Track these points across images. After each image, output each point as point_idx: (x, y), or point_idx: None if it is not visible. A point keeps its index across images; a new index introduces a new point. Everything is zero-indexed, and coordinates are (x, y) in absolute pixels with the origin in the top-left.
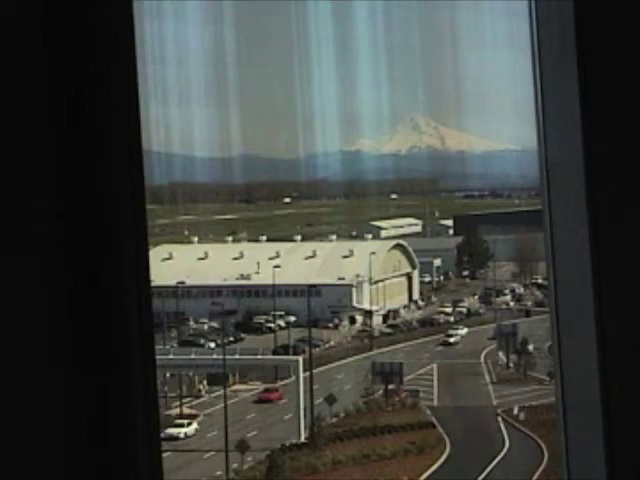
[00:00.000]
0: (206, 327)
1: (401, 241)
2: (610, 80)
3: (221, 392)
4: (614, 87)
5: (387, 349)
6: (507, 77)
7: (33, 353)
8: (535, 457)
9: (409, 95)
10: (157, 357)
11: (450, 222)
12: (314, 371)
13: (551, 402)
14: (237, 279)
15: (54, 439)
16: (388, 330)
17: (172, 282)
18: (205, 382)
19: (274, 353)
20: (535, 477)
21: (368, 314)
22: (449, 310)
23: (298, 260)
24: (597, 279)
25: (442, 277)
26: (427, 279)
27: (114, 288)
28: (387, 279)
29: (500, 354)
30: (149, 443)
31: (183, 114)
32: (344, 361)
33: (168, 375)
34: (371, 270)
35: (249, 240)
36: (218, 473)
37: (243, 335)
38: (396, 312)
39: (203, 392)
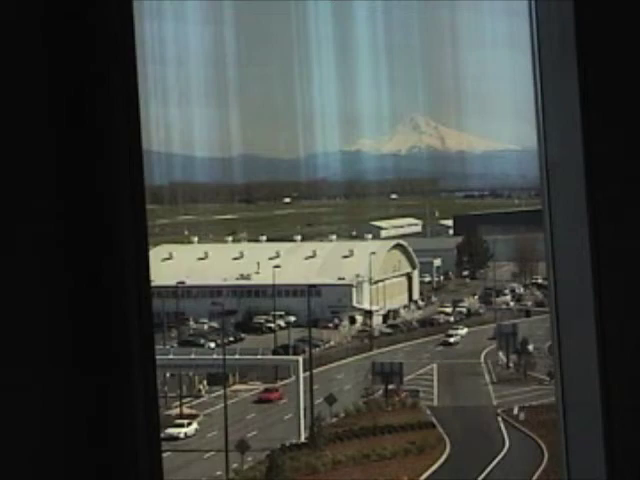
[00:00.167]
0: (206, 327)
1: (401, 241)
2: (610, 80)
3: (221, 392)
4: (614, 87)
5: (387, 349)
6: (507, 77)
7: (33, 353)
8: (535, 457)
9: (409, 95)
10: (157, 357)
11: (450, 222)
12: (314, 371)
13: (551, 402)
14: (237, 279)
15: (54, 439)
16: (388, 330)
17: (172, 282)
18: (205, 382)
19: (274, 353)
20: (535, 477)
21: (368, 314)
22: (449, 310)
23: (298, 260)
24: (597, 279)
25: (442, 277)
26: (427, 279)
27: (114, 288)
28: (387, 279)
29: (500, 354)
30: (149, 443)
31: (183, 114)
32: (344, 361)
33: (168, 375)
34: (371, 270)
35: (249, 240)
36: (218, 473)
37: (243, 335)
38: (396, 312)
39: (203, 392)
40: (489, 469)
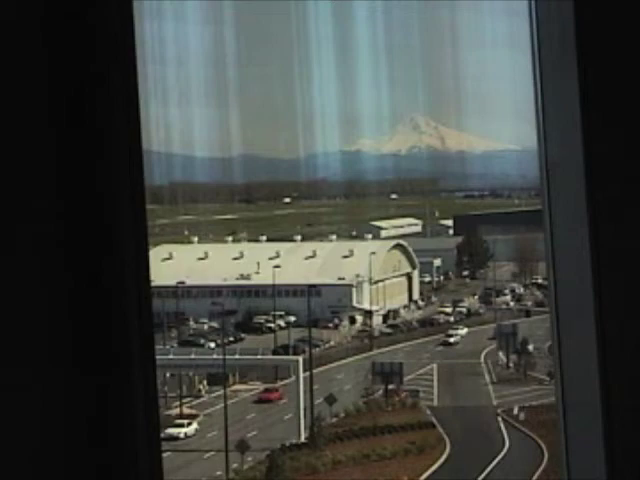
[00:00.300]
0: (206, 327)
1: (401, 241)
2: (610, 80)
3: (221, 392)
4: (614, 87)
5: (387, 349)
6: (507, 77)
7: (33, 353)
8: (535, 457)
9: (409, 95)
10: (157, 357)
11: (450, 222)
12: (314, 371)
13: (551, 402)
14: (237, 279)
15: (54, 439)
16: (388, 330)
17: (172, 282)
18: (205, 382)
19: (274, 353)
20: (535, 477)
21: (368, 314)
22: (449, 310)
23: (298, 260)
24: (597, 279)
25: (442, 277)
26: (427, 279)
27: (114, 288)
28: (387, 279)
29: (500, 354)
30: (149, 443)
31: (183, 114)
32: (344, 361)
33: (168, 375)
34: (371, 270)
35: (249, 240)
36: (218, 473)
37: (243, 335)
38: (396, 312)
39: (203, 392)
40: (489, 469)
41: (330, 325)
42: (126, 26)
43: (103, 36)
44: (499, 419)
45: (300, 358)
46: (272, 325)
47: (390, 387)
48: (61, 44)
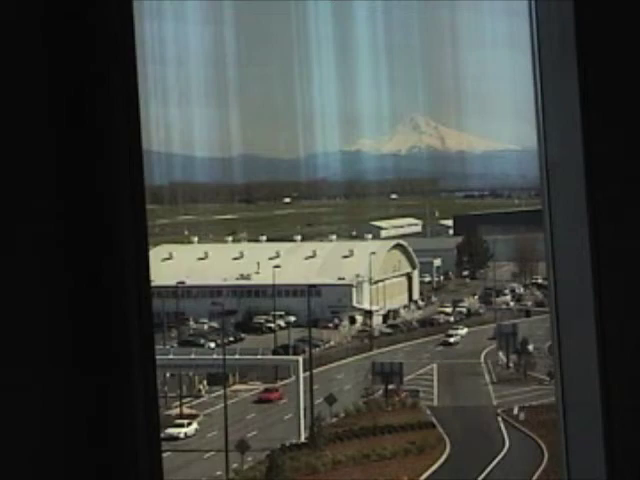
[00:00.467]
0: (206, 327)
1: (401, 241)
2: (610, 80)
3: (221, 392)
4: (614, 87)
5: (387, 349)
6: (507, 77)
7: (33, 353)
8: (535, 457)
9: (409, 95)
10: (157, 357)
11: (450, 222)
12: (314, 371)
13: (551, 402)
14: (237, 279)
15: (54, 439)
16: (388, 330)
17: (172, 282)
18: (205, 382)
19: (274, 353)
20: (535, 477)
21: (368, 314)
22: (449, 310)
23: (298, 260)
24: (597, 279)
25: (442, 277)
26: (427, 279)
27: (114, 288)
28: (387, 279)
29: (500, 354)
30: (149, 443)
31: (183, 114)
32: (344, 361)
33: (168, 375)
34: (371, 270)
35: (249, 240)
36: (218, 473)
37: (243, 335)
38: (396, 312)
39: (203, 392)
40: (489, 469)
41: (330, 325)
42: (126, 26)
43: (103, 36)
44: (499, 419)
45: (300, 358)
46: (272, 325)
47: (390, 387)
48: (61, 44)
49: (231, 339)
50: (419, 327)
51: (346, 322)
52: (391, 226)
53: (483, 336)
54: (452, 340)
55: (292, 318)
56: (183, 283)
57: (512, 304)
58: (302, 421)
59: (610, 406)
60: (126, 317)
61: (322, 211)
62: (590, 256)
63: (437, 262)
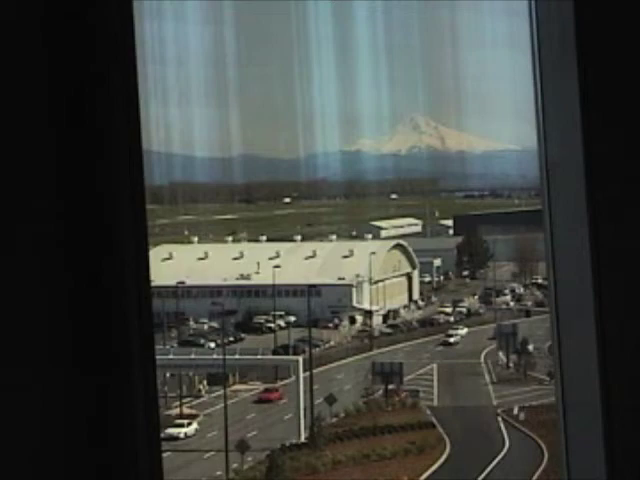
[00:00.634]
0: (206, 327)
1: (401, 241)
2: (610, 80)
3: (221, 392)
4: (614, 87)
5: (387, 349)
6: (507, 77)
7: (33, 353)
8: (535, 457)
9: (409, 95)
10: (157, 357)
11: (450, 222)
12: (314, 371)
13: (551, 402)
14: (237, 279)
15: (54, 439)
16: (388, 330)
17: (172, 282)
18: (205, 382)
19: (274, 353)
20: (535, 477)
21: (368, 314)
22: (449, 310)
23: (298, 260)
24: (597, 279)
25: (442, 277)
26: (427, 279)
27: (114, 288)
28: (387, 279)
29: (500, 354)
30: (149, 443)
31: (183, 114)
32: (344, 361)
33: (168, 375)
34: (371, 270)
35: (249, 240)
36: (218, 473)
37: (243, 335)
38: (396, 312)
39: (203, 392)
40: (489, 469)
41: (330, 325)
42: (126, 26)
43: (103, 36)
44: (499, 419)
45: (300, 358)
46: (272, 325)
47: (390, 387)
48: (61, 44)
49: (231, 339)
50: (419, 327)
51: (346, 322)
52: (391, 226)
53: (483, 336)
54: (452, 340)
55: (292, 318)
56: (183, 283)
57: (512, 304)
58: (302, 421)
59: (610, 406)
60: (126, 317)
61: (322, 211)
62: (590, 256)
63: (437, 262)
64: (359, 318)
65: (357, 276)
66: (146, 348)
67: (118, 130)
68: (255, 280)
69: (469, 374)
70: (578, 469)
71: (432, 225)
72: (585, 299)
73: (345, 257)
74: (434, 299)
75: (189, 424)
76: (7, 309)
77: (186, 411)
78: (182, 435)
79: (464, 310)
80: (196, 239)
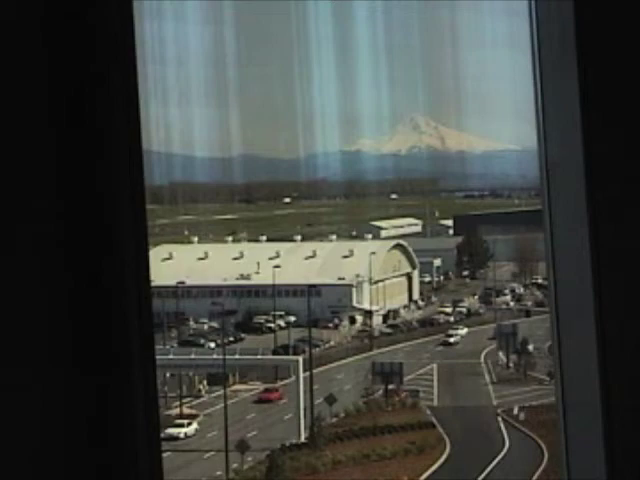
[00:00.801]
0: (206, 327)
1: (401, 241)
2: (610, 80)
3: (221, 392)
4: (614, 87)
5: (387, 349)
6: (507, 77)
7: (33, 353)
8: (535, 457)
9: (409, 95)
10: (157, 357)
11: (450, 222)
12: (314, 371)
13: (551, 402)
14: (237, 279)
15: (54, 439)
16: (388, 330)
17: (172, 282)
18: (205, 382)
19: (274, 353)
20: (535, 477)
21: (368, 314)
22: (449, 310)
23: (298, 260)
24: (597, 279)
25: (442, 277)
26: (427, 279)
27: (114, 288)
28: (387, 279)
29: (500, 354)
30: (149, 443)
31: (183, 114)
32: (344, 361)
33: (168, 375)
34: (371, 270)
35: (249, 240)
36: (218, 473)
37: (243, 335)
38: (396, 312)
39: (203, 392)
40: (489, 469)
41: (330, 325)
42: (126, 26)
43: (103, 36)
44: (499, 419)
45: (300, 358)
46: (272, 325)
47: (390, 387)
48: (61, 44)
49: (231, 339)
50: (419, 327)
51: (346, 322)
52: (391, 226)
53: (483, 336)
54: (452, 340)
55: (292, 318)
56: (183, 283)
57: (512, 304)
58: (302, 421)
59: (610, 406)
60: (126, 317)
61: (322, 211)
62: (590, 256)
63: (437, 262)
64: (359, 318)
65: (357, 276)
66: (146, 348)
67: (118, 130)
68: (255, 280)
69: (469, 374)
70: (578, 469)
71: (432, 225)
72: (585, 299)
73: (345, 257)
74: (434, 299)
75: (189, 424)
76: (7, 309)
77: (186, 411)
78: (182, 435)
79: (464, 310)
80: (196, 239)
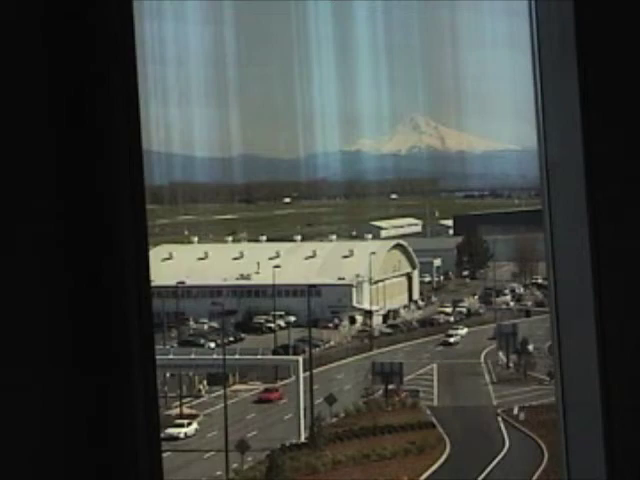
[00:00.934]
0: (206, 327)
1: (401, 241)
2: (610, 80)
3: (221, 392)
4: (614, 87)
5: (387, 349)
6: (507, 77)
7: (33, 353)
8: (535, 457)
9: (409, 95)
10: (157, 357)
11: (450, 222)
12: (314, 371)
13: (551, 402)
14: (237, 279)
15: (54, 439)
16: (388, 330)
17: (172, 282)
18: (205, 382)
19: (274, 353)
20: (535, 477)
21: (368, 314)
22: (449, 310)
23: (298, 260)
24: (597, 279)
25: (442, 277)
26: (427, 279)
27: (114, 288)
28: (387, 279)
29: (500, 354)
30: (149, 443)
31: (183, 114)
32: (344, 361)
33: (168, 375)
34: (371, 270)
35: (249, 240)
36: (218, 473)
37: (243, 335)
38: (396, 312)
39: (203, 392)
40: (489, 469)
41: (330, 325)
42: (126, 26)
43: (103, 36)
44: (499, 419)
45: (300, 358)
46: (272, 325)
47: (390, 387)
48: (61, 44)
49: (231, 339)
50: (419, 327)
51: (346, 322)
52: (391, 226)
53: (483, 336)
54: (452, 340)
55: (292, 318)
56: (183, 283)
57: (512, 304)
58: (302, 421)
59: (610, 406)
60: (126, 317)
61: (322, 211)
62: (590, 256)
63: (437, 262)
64: (359, 318)
65: (357, 276)
66: (146, 348)
67: (118, 130)
68: (255, 280)
69: (469, 374)
70: (578, 469)
71: (432, 225)
72: (585, 299)
73: (345, 257)
74: (434, 299)
75: (189, 424)
76: (7, 309)
77: (186, 411)
78: (182, 435)
79: (464, 310)
80: (196, 239)
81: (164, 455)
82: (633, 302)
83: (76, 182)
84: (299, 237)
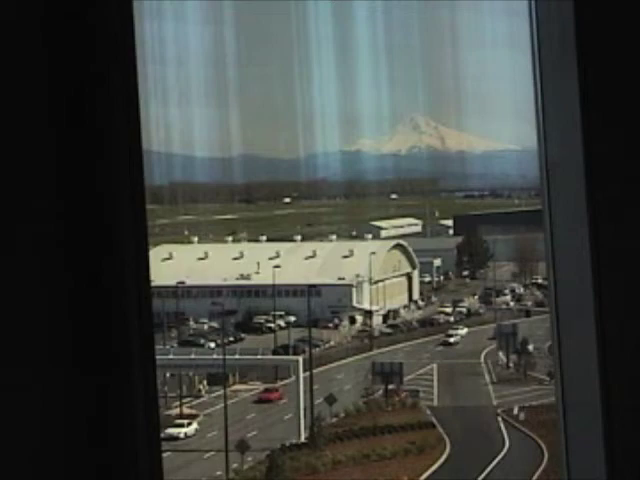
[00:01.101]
0: (206, 327)
1: (401, 241)
2: (610, 80)
3: (221, 392)
4: (614, 87)
5: (387, 349)
6: (507, 77)
7: (33, 353)
8: (535, 457)
9: (409, 95)
10: (157, 357)
11: (450, 222)
12: (314, 371)
13: (551, 402)
14: (237, 279)
15: (54, 439)
16: (388, 330)
17: (172, 282)
18: (205, 382)
19: (274, 353)
20: (535, 477)
21: (368, 314)
22: (449, 310)
23: (298, 260)
24: (597, 279)
25: (442, 277)
26: (427, 279)
27: (114, 288)
28: (387, 279)
29: (500, 354)
30: (149, 443)
31: (183, 114)
32: (344, 361)
33: (168, 375)
34: (371, 270)
35: (249, 240)
36: (218, 473)
37: (243, 335)
38: (396, 312)
39: (203, 392)
40: (489, 469)
41: (330, 325)
42: (126, 26)
43: (103, 36)
44: (499, 419)
45: (300, 358)
46: (272, 325)
47: (390, 387)
48: (61, 44)
49: (231, 339)
50: (419, 327)
51: (346, 322)
52: (391, 226)
53: (483, 336)
54: (452, 340)
55: (292, 318)
56: (183, 283)
57: (512, 304)
58: (302, 421)
59: (610, 406)
60: (126, 317)
61: (322, 211)
62: (590, 256)
63: (437, 262)
64: (359, 318)
65: (357, 276)
66: (146, 348)
67: (118, 130)
68: (255, 280)
69: (469, 374)
70: (578, 469)
71: (432, 225)
72: (585, 299)
73: (345, 257)
74: (434, 299)
75: (189, 424)
76: (7, 309)
77: (186, 411)
78: (182, 435)
79: (464, 310)
80: (196, 239)
81: (164, 455)
82: (633, 302)
83: (76, 182)
84: (299, 237)
